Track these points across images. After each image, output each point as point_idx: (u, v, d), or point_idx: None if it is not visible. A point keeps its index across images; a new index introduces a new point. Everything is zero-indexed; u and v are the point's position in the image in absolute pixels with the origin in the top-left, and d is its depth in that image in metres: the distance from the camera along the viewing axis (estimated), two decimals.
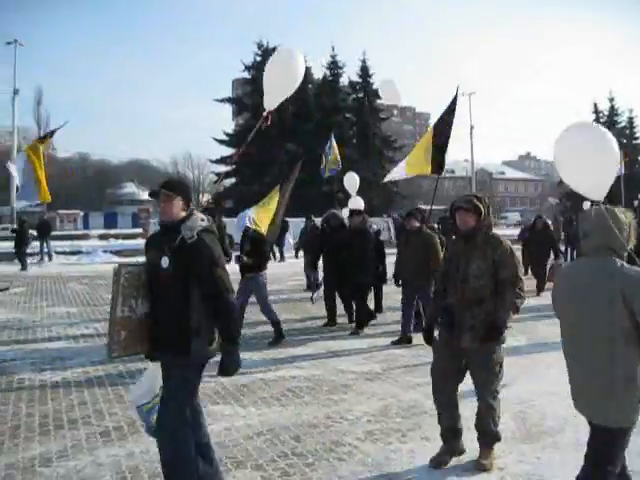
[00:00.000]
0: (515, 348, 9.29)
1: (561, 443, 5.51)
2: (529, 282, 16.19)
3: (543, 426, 5.96)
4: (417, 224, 9.98)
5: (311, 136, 47.21)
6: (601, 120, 63.30)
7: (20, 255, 23.30)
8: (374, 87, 52.69)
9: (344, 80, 53.52)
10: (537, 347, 9.40)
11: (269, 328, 10.07)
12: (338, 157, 20.20)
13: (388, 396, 6.97)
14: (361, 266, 10.71)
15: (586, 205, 27.02)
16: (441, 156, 11.44)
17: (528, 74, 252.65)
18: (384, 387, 7.35)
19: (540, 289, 15.29)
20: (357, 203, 14.52)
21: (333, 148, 20.19)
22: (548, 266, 15.81)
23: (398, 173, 12.83)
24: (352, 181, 18.72)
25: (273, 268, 21.85)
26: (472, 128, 53.65)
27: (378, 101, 54.06)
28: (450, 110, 11.73)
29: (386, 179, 13.93)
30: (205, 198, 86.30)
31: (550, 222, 21.93)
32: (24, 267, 22.99)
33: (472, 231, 5.04)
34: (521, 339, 9.99)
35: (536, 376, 7.75)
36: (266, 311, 9.99)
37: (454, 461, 5.10)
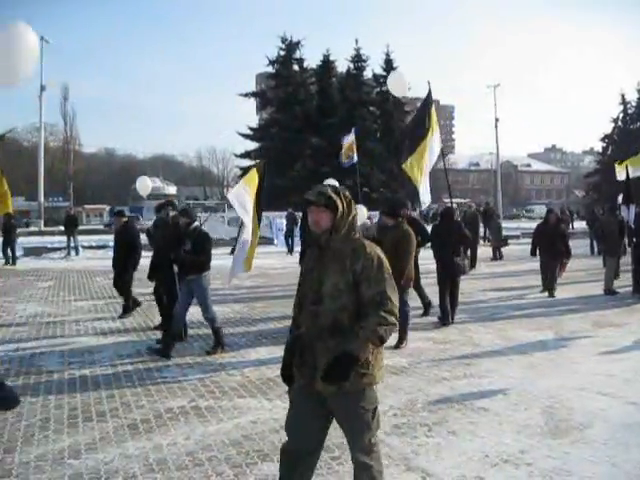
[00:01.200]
0: (542, 343, 9.25)
1: (590, 438, 5.45)
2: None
3: (571, 421, 5.90)
4: (391, 220, 9.19)
5: (335, 130, 47.06)
6: (629, 111, 62.48)
7: (4, 251, 23.18)
8: None
9: (368, 73, 53.37)
10: (564, 342, 9.32)
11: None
12: (352, 150, 20.04)
13: (414, 390, 6.94)
14: None
15: (620, 199, 26.76)
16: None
17: (553, 66, 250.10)
18: (410, 381, 7.33)
19: (550, 289, 14.02)
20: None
21: (349, 141, 20.08)
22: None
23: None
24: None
25: (286, 261, 21.97)
26: (497, 120, 53.33)
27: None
28: (423, 107, 11.80)
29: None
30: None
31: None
32: (7, 262, 22.92)
33: (326, 235, 3.68)
34: (548, 333, 9.90)
35: (564, 371, 7.68)
36: (208, 317, 8.95)
37: (479, 455, 5.07)
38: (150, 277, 9.84)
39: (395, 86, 14.42)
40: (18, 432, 5.77)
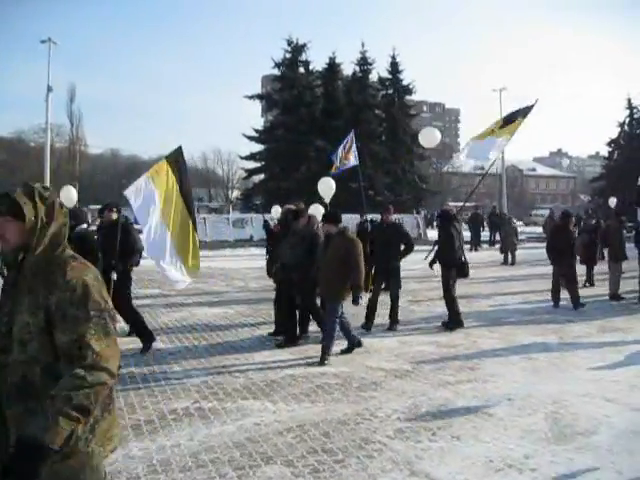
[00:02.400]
0: (547, 347, 9.22)
1: (594, 444, 5.43)
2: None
3: (576, 427, 5.88)
4: (333, 228, 8.76)
5: (340, 132, 47.00)
6: (635, 116, 62.35)
7: None
8: (404, 83, 52.47)
9: (373, 76, 53.32)
10: (569, 347, 9.28)
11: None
12: (348, 157, 19.82)
13: (418, 394, 6.92)
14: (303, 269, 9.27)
15: (612, 202, 26.79)
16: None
17: (558, 71, 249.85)
18: (414, 385, 7.31)
19: (556, 299, 13.34)
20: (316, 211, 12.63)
21: (346, 147, 19.89)
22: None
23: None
24: (326, 187, 16.22)
25: None
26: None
27: (407, 97, 53.89)
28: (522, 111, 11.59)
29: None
30: (234, 194, 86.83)
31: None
32: None
33: (16, 254, 2.63)
34: (553, 338, 9.87)
35: (568, 376, 7.65)
36: None
37: (483, 460, 5.06)
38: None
39: (427, 140, 14.30)
40: None
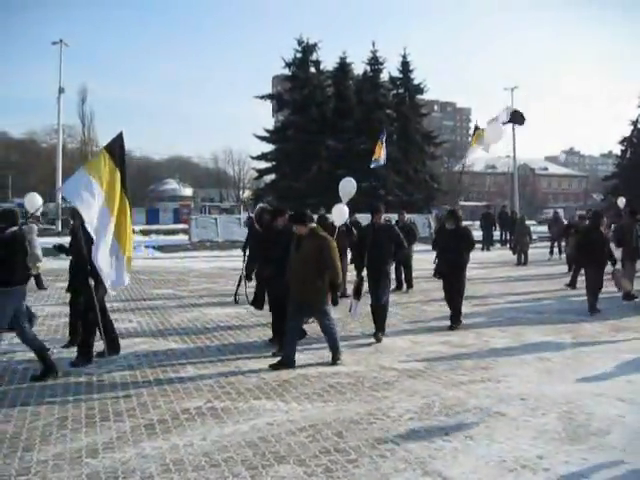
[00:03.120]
0: (560, 347, 9.19)
1: (608, 445, 5.41)
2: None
3: (590, 427, 5.85)
4: (303, 229, 8.31)
5: (351, 132, 47.14)
6: None
7: None
8: (415, 82, 52.38)
9: (384, 76, 53.27)
10: (582, 346, 9.24)
11: (313, 325, 9.98)
12: (380, 153, 19.94)
13: (431, 394, 6.91)
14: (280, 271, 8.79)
15: (621, 202, 26.63)
16: None
17: (571, 69, 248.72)
18: (427, 385, 7.30)
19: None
20: (340, 211, 12.85)
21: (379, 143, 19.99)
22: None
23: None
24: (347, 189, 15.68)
25: None
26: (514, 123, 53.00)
27: (418, 96, 53.79)
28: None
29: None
30: (246, 194, 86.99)
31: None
32: None
33: None
34: (566, 338, 9.83)
35: (582, 376, 7.61)
36: (26, 339, 7.79)
37: (496, 460, 5.05)
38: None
39: (491, 134, 14.25)
40: (36, 431, 5.82)
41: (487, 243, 30.04)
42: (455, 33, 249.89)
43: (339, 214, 12.76)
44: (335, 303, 8.39)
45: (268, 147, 52.40)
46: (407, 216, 16.78)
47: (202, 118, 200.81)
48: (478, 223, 33.79)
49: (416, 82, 52.66)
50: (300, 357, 8.61)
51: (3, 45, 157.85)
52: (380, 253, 9.84)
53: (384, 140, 19.60)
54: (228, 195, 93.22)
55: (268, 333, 10.30)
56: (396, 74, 52.78)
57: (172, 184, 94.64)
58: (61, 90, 37.76)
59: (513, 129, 50.43)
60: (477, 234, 32.65)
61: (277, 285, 8.98)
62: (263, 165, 53.82)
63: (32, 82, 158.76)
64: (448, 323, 10.88)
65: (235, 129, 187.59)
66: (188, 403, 6.62)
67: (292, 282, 8.23)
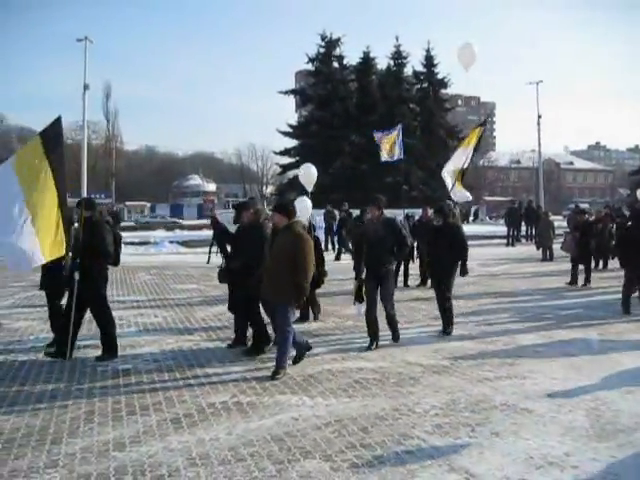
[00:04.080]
0: (587, 343, 9.11)
1: (637, 442, 5.34)
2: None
3: (618, 424, 5.78)
4: (283, 220, 7.78)
5: (375, 127, 46.92)
6: None
7: None
8: (438, 77, 52.13)
9: (408, 70, 53.09)
10: (609, 343, 9.14)
11: (338, 320, 10.01)
12: (394, 148, 19.77)
13: (456, 390, 6.88)
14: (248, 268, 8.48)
15: None
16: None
17: (596, 63, 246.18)
18: (452, 380, 7.26)
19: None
20: (303, 204, 12.21)
21: (391, 136, 19.83)
22: None
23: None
24: (308, 176, 14.73)
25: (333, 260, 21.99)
26: (539, 117, 52.45)
27: (442, 91, 53.54)
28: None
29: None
30: (269, 190, 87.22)
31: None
32: None
33: None
34: (593, 334, 9.72)
35: (609, 372, 7.53)
36: None
37: (523, 457, 5.01)
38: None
39: (464, 56, 14.09)
40: (64, 424, 5.87)
41: (512, 239, 29.83)
42: (479, 26, 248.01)
43: (303, 209, 12.05)
44: (299, 307, 7.83)
45: (291, 142, 52.53)
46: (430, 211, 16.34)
47: (225, 114, 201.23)
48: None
49: (440, 76, 52.45)
50: (324, 353, 8.62)
51: (27, 43, 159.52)
52: (380, 252, 8.82)
53: (399, 135, 19.46)
54: (251, 190, 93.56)
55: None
56: (420, 68, 52.61)
57: (196, 180, 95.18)
58: (86, 87, 37.90)
59: (538, 124, 50.03)
60: (502, 229, 32.62)
61: (245, 283, 8.45)
62: (286, 160, 53.93)
63: (57, 79, 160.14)
64: (473, 319, 10.83)
65: (258, 125, 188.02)
66: (214, 397, 6.65)
67: (264, 281, 7.70)
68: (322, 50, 50.54)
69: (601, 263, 19.24)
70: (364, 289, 8.96)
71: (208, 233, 35.55)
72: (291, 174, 54.63)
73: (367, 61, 51.17)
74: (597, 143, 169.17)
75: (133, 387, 7.08)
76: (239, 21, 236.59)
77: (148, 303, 13.17)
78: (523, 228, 31.94)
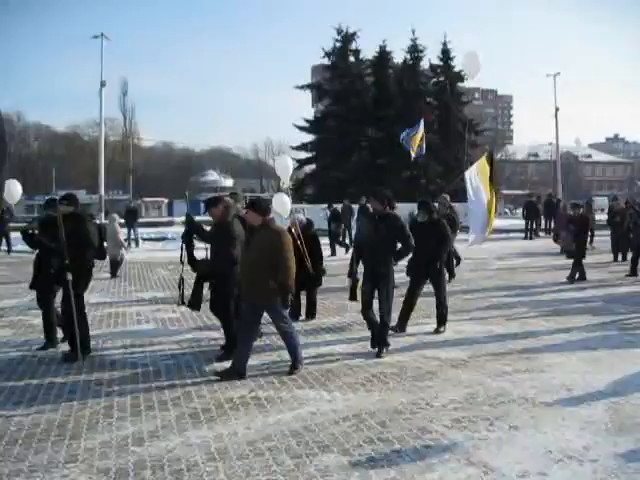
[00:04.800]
0: (606, 337, 9.04)
1: None
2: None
3: (637, 418, 5.73)
4: (258, 218, 7.36)
5: (392, 121, 46.83)
6: None
7: None
8: (455, 70, 51.83)
9: (425, 64, 52.80)
10: (629, 337, 9.08)
11: (355, 314, 9.97)
12: (422, 143, 19.81)
13: (474, 384, 6.85)
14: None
15: None
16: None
17: (614, 55, 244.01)
18: (470, 374, 7.24)
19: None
20: (281, 202, 11.81)
21: (417, 133, 19.86)
22: None
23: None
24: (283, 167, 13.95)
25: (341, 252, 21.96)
26: (557, 110, 52.11)
27: (459, 84, 53.22)
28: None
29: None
30: (285, 185, 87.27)
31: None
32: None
33: None
34: (612, 328, 9.66)
35: (629, 366, 7.47)
36: None
37: (542, 451, 4.98)
38: (32, 285, 8.83)
39: (469, 65, 14.05)
40: (83, 419, 5.91)
41: (530, 232, 29.65)
42: (496, 19, 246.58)
43: (281, 205, 11.60)
44: (286, 307, 7.48)
45: (308, 137, 52.41)
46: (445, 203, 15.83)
47: (242, 109, 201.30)
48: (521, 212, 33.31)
49: (457, 69, 52.08)
50: (341, 347, 8.63)
51: (44, 39, 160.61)
52: (379, 252, 8.14)
53: (421, 129, 19.46)
54: (269, 185, 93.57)
55: (312, 322, 10.35)
56: (436, 62, 52.30)
57: (213, 175, 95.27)
58: (103, 84, 38.10)
59: (556, 117, 49.65)
60: (520, 223, 32.39)
61: (217, 283, 8.24)
62: (303, 155, 53.83)
63: (74, 76, 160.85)
64: (492, 312, 10.79)
65: (275, 120, 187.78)
66: (232, 392, 6.67)
67: (242, 281, 7.45)
68: (338, 44, 50.35)
69: (620, 256, 19.04)
70: (359, 289, 8.42)
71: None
72: (308, 169, 54.65)
73: (383, 55, 50.91)
74: (616, 136, 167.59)
75: (151, 383, 7.11)
76: (255, 16, 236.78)
77: (166, 299, 13.21)
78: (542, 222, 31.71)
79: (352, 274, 8.54)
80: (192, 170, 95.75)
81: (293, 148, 55.06)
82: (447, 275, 15.03)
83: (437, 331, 9.56)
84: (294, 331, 7.61)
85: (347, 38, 50.13)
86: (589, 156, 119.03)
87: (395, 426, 5.62)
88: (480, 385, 6.80)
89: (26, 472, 4.76)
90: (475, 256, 19.52)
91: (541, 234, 30.69)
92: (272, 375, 7.27)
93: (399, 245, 8.36)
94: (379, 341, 8.24)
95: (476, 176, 11.10)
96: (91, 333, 9.20)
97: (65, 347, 8.44)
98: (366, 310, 8.27)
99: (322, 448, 5.13)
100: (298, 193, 53.03)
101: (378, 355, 8.08)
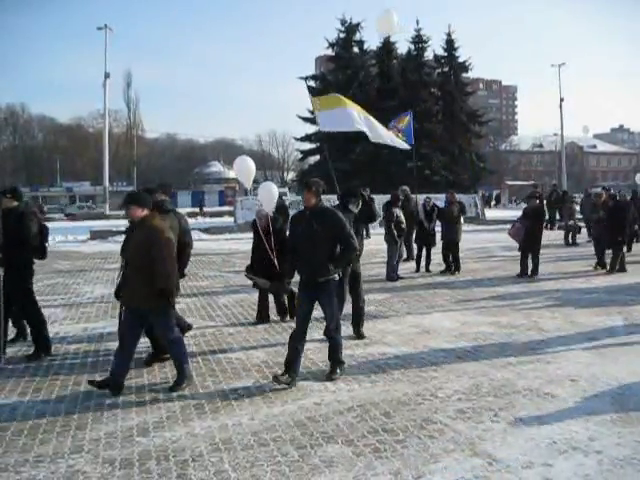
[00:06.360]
0: (611, 328, 9.02)
1: None
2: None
3: None
4: (138, 210, 6.52)
5: (396, 112, 46.63)
6: None
7: None
8: (459, 60, 51.67)
9: (429, 54, 52.66)
10: (634, 328, 9.05)
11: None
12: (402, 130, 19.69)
13: (479, 374, 6.85)
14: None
15: (639, 178, 25.83)
16: None
17: (620, 44, 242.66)
18: (475, 365, 7.23)
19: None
20: (269, 193, 10.48)
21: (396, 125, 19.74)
22: None
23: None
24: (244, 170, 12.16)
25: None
26: (562, 100, 52.04)
27: (463, 75, 53.06)
28: None
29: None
30: (290, 176, 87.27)
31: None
32: None
33: None
34: (617, 319, 9.63)
35: (634, 357, 7.45)
36: None
37: (547, 442, 4.97)
38: None
39: (383, 25, 13.71)
40: (88, 410, 5.93)
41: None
42: (500, 8, 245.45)
43: (268, 197, 10.50)
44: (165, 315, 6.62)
45: (312, 128, 52.29)
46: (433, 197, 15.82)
47: (246, 101, 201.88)
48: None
49: (461, 60, 51.96)
50: (346, 338, 8.61)
51: (47, 31, 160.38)
52: (313, 256, 6.62)
53: (409, 120, 19.42)
54: (273, 177, 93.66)
55: (315, 314, 10.33)
56: (440, 52, 52.15)
57: (217, 166, 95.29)
58: (107, 75, 38.14)
59: (561, 108, 49.47)
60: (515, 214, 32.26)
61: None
62: (307, 146, 53.83)
63: (78, 68, 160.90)
64: (496, 303, 10.77)
65: (279, 111, 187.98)
66: (236, 383, 6.68)
67: (124, 285, 6.81)
68: (342, 35, 50.23)
69: (624, 247, 18.98)
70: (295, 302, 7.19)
71: (229, 220, 35.81)
72: (312, 160, 54.60)
73: (387, 46, 50.73)
74: (621, 126, 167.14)
75: (157, 373, 7.13)
76: (259, 7, 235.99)
77: None
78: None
79: (283, 286, 7.44)
80: (196, 161, 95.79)
81: (297, 139, 55.11)
82: (452, 267, 15.01)
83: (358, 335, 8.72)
84: (180, 341, 6.70)
85: (351, 29, 50.02)
86: (594, 146, 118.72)
87: (399, 417, 5.62)
88: (484, 376, 6.80)
89: (32, 462, 4.77)
90: (480, 246, 19.51)
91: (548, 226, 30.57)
92: (276, 366, 7.25)
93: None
94: (332, 360, 6.95)
95: (360, 114, 11.23)
96: (96, 324, 9.25)
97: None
98: (298, 332, 6.73)
99: (326, 439, 5.14)
100: (301, 184, 53.06)
101: (329, 377, 6.76)
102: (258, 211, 10.24)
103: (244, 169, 11.21)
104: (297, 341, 6.67)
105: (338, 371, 6.86)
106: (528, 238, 14.07)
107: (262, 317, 9.78)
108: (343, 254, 6.78)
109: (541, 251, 14.46)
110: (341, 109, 12.06)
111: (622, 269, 14.61)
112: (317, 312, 9.95)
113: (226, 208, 56.05)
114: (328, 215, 6.75)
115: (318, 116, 12.27)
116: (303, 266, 6.76)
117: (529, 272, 14.21)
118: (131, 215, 6.60)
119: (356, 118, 12.20)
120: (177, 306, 11.05)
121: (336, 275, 6.79)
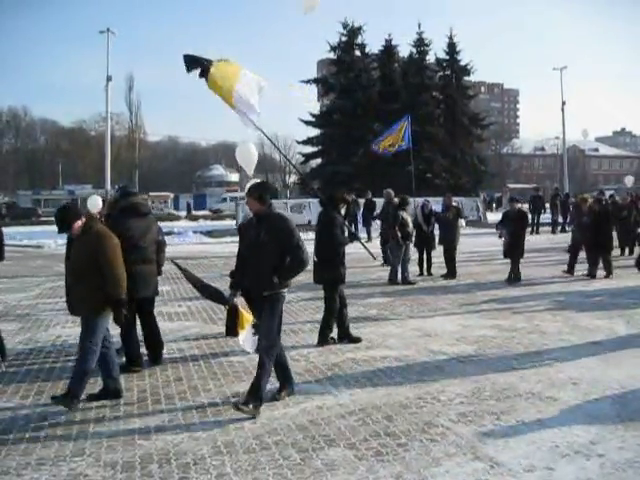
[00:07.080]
0: (613, 332, 9.02)
1: None
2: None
3: None
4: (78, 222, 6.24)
5: (398, 115, 46.66)
6: None
7: None
8: (461, 64, 51.66)
9: (430, 58, 52.66)
10: (636, 331, 9.04)
11: (362, 308, 10.00)
12: (399, 140, 19.70)
13: (481, 378, 6.84)
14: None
15: (629, 180, 25.75)
16: None
17: (622, 48, 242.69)
18: (477, 369, 7.22)
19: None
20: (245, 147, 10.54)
21: (400, 130, 19.78)
22: None
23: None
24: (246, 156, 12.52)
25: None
26: (564, 104, 51.94)
27: (465, 78, 53.04)
28: None
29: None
30: (292, 179, 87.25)
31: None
32: None
33: None
34: (619, 322, 9.62)
35: (636, 361, 7.44)
36: None
37: (549, 445, 4.97)
38: None
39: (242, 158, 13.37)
40: (90, 413, 5.93)
41: (536, 226, 29.51)
42: (502, 12, 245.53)
43: (248, 158, 10.68)
44: (119, 321, 6.26)
45: (314, 131, 52.34)
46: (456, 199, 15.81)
47: None
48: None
49: (463, 63, 51.93)
50: (349, 341, 8.61)
51: (49, 34, 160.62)
52: (257, 267, 6.00)
53: (406, 124, 19.44)
54: (275, 180, 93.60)
55: (317, 317, 10.34)
56: (442, 55, 52.14)
57: (219, 170, 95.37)
58: (109, 78, 38.12)
59: (563, 111, 49.46)
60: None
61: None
62: (309, 149, 53.81)
63: (80, 71, 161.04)
64: (497, 306, 10.77)
65: (281, 114, 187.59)
66: (238, 386, 6.67)
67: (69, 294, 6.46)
68: (344, 38, 50.20)
69: (627, 250, 18.98)
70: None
71: (231, 223, 35.81)
72: (314, 163, 54.61)
73: (389, 49, 50.77)
74: (622, 129, 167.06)
75: (158, 376, 7.13)
76: (261, 10, 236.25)
77: (172, 292, 13.24)
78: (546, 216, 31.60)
79: (229, 298, 6.23)
80: (198, 164, 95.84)
81: (299, 142, 55.02)
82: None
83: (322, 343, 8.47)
84: (91, 357, 6.07)
85: (353, 32, 50.00)
86: (596, 150, 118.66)
87: (401, 420, 5.62)
88: (487, 379, 6.79)
89: (33, 465, 4.77)
90: (482, 249, 19.50)
91: (546, 228, 30.59)
92: None
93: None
94: (250, 387, 5.90)
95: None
96: None
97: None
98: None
99: (328, 442, 5.13)
100: (303, 187, 53.09)
101: (237, 406, 5.69)
102: (248, 214, 10.05)
103: (245, 153, 11.18)
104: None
105: (249, 406, 5.71)
106: (509, 243, 13.92)
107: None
108: (289, 267, 6.04)
109: (543, 254, 14.43)
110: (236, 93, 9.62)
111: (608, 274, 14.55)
112: (318, 315, 9.98)
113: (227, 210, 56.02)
114: (275, 222, 6.04)
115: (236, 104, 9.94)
116: (248, 277, 6.11)
117: (512, 277, 13.97)
118: (75, 229, 6.20)
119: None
120: (179, 309, 11.14)
121: (284, 291, 6.14)
